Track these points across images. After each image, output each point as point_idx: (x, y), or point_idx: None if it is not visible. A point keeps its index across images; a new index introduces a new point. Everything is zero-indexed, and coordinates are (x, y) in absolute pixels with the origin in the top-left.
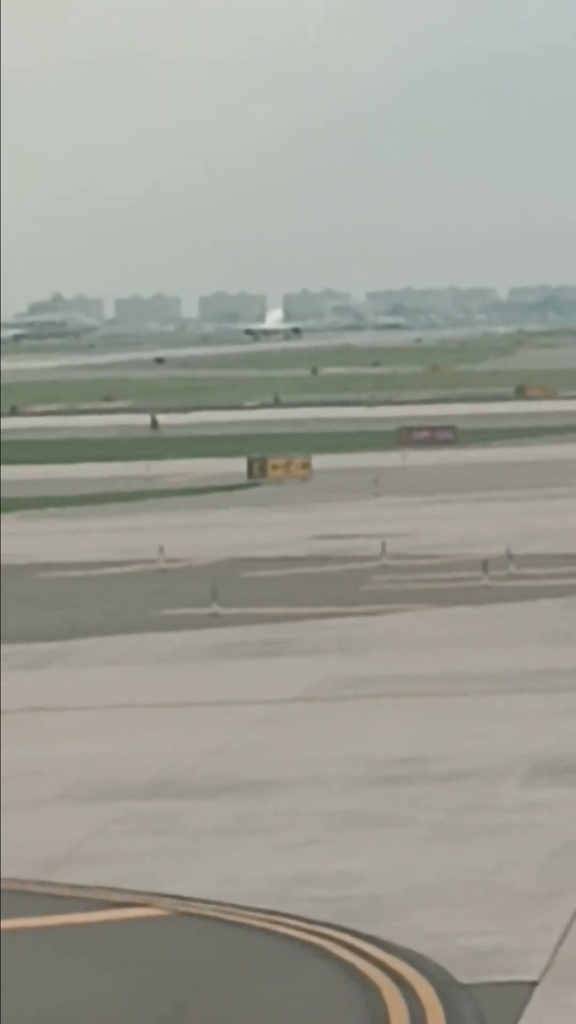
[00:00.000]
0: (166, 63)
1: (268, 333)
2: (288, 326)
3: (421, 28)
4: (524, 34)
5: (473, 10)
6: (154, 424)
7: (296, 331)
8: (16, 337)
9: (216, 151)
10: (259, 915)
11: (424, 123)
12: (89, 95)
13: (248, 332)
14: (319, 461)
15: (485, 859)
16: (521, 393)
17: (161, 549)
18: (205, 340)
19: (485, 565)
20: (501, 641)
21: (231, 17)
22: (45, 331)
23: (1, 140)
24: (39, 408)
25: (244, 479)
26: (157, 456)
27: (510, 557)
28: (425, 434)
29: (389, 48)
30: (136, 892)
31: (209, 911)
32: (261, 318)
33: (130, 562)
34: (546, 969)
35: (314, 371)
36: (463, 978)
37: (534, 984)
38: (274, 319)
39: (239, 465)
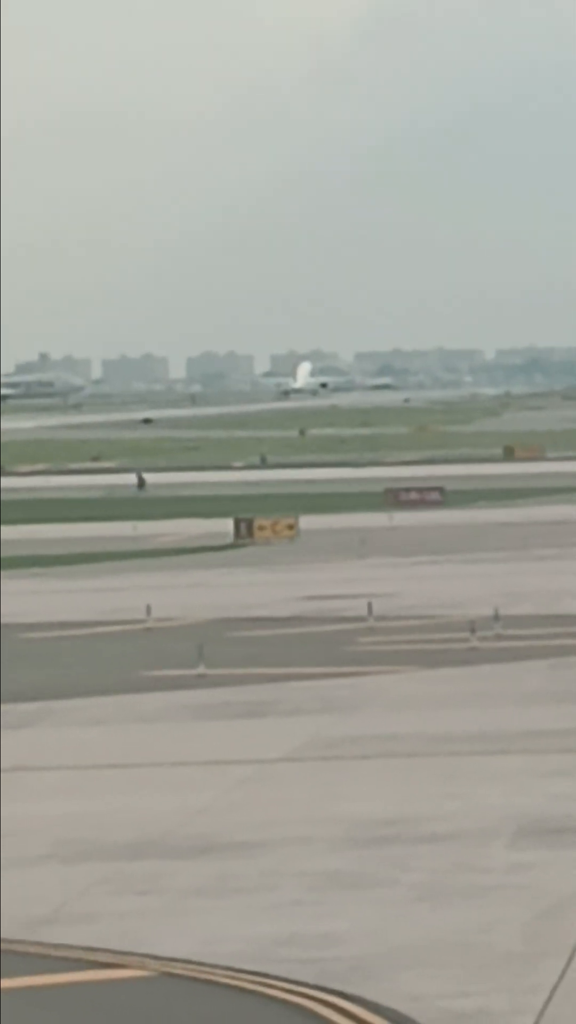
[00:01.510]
0: (147, 122)
1: (300, 391)
2: (317, 381)
3: (406, 88)
4: (511, 93)
5: (459, 70)
6: (141, 484)
7: (324, 386)
8: (3, 397)
9: (202, 211)
10: (243, 976)
11: (411, 183)
12: (72, 156)
13: (284, 393)
14: (306, 522)
15: (470, 920)
16: (509, 454)
17: (148, 609)
18: (193, 400)
19: (472, 626)
20: (487, 702)
21: (216, 74)
22: (32, 391)
23: None
24: (26, 468)
25: (231, 539)
26: (144, 516)
27: (497, 618)
28: (413, 495)
29: (373, 107)
30: (120, 952)
31: (193, 971)
32: (292, 376)
33: (117, 622)
34: None
35: (302, 432)
36: None
37: None
38: (304, 374)
39: (226, 525)
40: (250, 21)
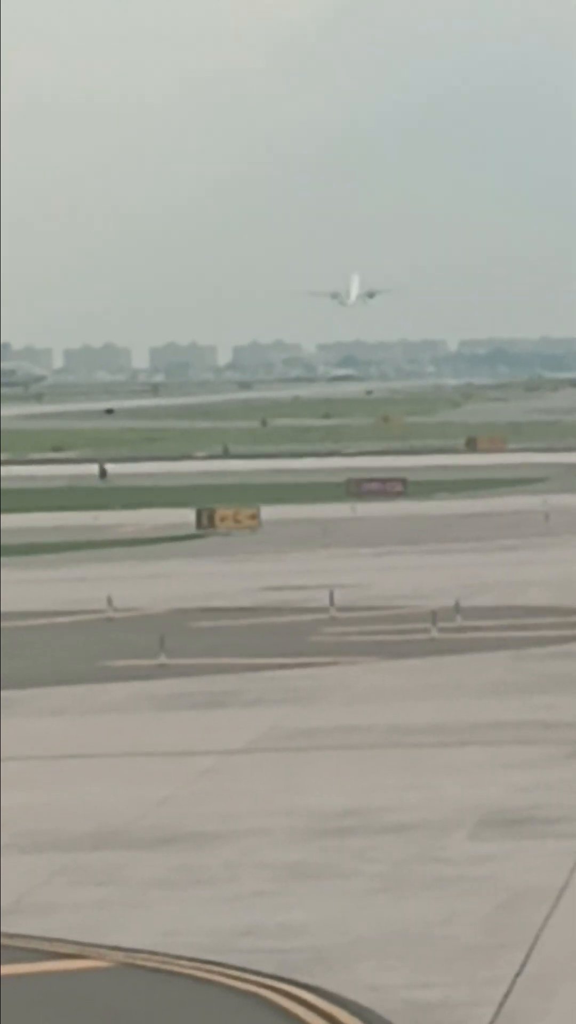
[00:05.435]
0: (108, 109)
1: (354, 302)
2: (366, 292)
3: (370, 71)
4: (479, 76)
5: (426, 51)
6: (103, 474)
7: (371, 296)
8: None
9: (165, 199)
10: (203, 966)
11: (375, 172)
12: (32, 143)
13: (341, 304)
14: (268, 512)
15: (431, 911)
16: (471, 445)
17: (109, 599)
18: (155, 391)
19: (433, 617)
20: (448, 693)
21: (178, 60)
22: None
23: None
24: None
25: (192, 530)
26: (105, 506)
27: (458, 609)
28: (375, 486)
29: (337, 91)
30: (79, 943)
31: (152, 962)
32: (345, 293)
33: (77, 612)
34: (491, 1023)
35: (264, 422)
36: None
37: None
38: (356, 285)
39: (188, 516)
40: (211, 4)
